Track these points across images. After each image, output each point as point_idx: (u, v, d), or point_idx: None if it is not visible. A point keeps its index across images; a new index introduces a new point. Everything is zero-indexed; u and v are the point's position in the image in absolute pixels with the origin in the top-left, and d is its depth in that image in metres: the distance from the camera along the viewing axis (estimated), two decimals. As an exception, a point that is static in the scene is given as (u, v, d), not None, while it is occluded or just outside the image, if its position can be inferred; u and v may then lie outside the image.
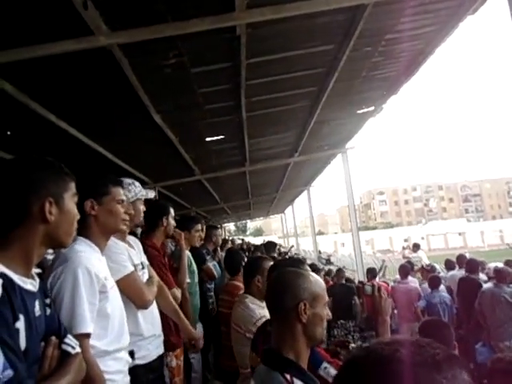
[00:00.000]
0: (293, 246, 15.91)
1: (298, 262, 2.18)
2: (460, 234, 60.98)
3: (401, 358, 0.54)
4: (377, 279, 7.08)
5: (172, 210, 2.82)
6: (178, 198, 10.71)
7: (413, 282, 5.35)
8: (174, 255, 3.06)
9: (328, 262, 14.81)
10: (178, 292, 2.60)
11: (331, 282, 6.44)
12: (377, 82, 6.04)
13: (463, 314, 4.65)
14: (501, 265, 5.61)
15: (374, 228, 74.14)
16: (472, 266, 4.79)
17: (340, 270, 6.78)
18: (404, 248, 11.04)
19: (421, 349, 0.56)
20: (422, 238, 55.40)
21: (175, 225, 2.90)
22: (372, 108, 7.23)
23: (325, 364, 1.60)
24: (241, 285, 2.82)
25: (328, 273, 7.19)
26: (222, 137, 6.64)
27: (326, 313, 1.34)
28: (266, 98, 5.58)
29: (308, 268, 1.97)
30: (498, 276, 4.25)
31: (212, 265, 3.95)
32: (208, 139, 6.57)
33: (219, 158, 8.14)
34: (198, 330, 3.03)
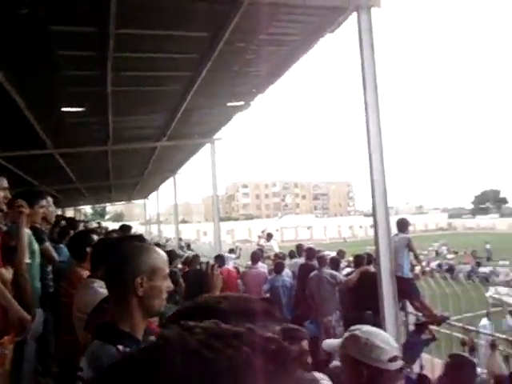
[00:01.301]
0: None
1: (138, 238, 2.16)
2: (308, 227, 68.70)
3: (223, 307, 0.62)
4: (231, 264, 7.54)
5: (4, 181, 2.45)
6: (23, 172, 9.33)
7: (262, 267, 5.88)
8: (11, 232, 2.67)
9: (188, 249, 14.98)
10: (7, 272, 2.29)
11: (187, 268, 6.56)
12: (248, 78, 6.34)
13: (301, 296, 5.33)
14: (334, 254, 6.61)
15: (237, 219, 77.77)
16: (310, 254, 5.56)
17: (196, 256, 6.99)
18: (259, 237, 11.94)
19: (241, 301, 0.65)
20: (277, 230, 60.46)
21: (7, 197, 2.53)
22: (241, 103, 7.56)
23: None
24: (85, 274, 2.59)
25: (186, 260, 7.27)
26: (82, 109, 6.05)
27: (167, 285, 1.38)
28: (135, 74, 5.31)
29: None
30: (320, 260, 5.00)
31: (51, 245, 3.54)
32: (65, 109, 5.91)
33: (78, 132, 7.40)
34: (38, 316, 2.73)
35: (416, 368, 4.09)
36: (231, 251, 10.50)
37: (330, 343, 1.61)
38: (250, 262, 6.05)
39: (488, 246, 30.79)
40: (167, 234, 26.69)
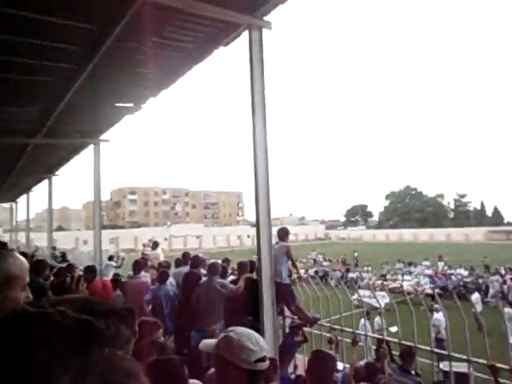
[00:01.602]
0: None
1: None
2: (197, 237, 68.42)
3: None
4: (111, 274, 7.04)
5: None
6: None
7: (145, 276, 5.62)
8: None
9: (63, 259, 13.53)
10: None
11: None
12: (139, 79, 6.10)
13: (184, 305, 5.24)
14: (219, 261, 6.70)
15: (122, 227, 73.31)
16: (195, 262, 5.53)
17: (69, 267, 6.43)
18: (144, 246, 11.45)
19: (86, 303, 0.61)
20: (165, 239, 58.88)
21: None
22: (131, 104, 7.23)
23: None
24: None
25: (58, 271, 6.53)
26: None
27: (25, 295, 1.24)
28: (7, 59, 4.68)
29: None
30: (211, 269, 5.03)
31: None
32: None
33: None
34: None
35: (290, 368, 4.36)
36: (110, 258, 9.81)
37: (207, 343, 1.62)
38: (131, 272, 5.74)
39: (356, 254, 34.82)
40: (39, 242, 23.80)
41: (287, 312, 5.10)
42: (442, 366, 5.36)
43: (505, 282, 18.04)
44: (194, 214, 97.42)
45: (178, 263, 6.49)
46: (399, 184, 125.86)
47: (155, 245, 9.61)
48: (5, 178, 12.87)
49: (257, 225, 4.19)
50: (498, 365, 3.35)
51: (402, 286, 15.89)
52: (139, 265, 5.62)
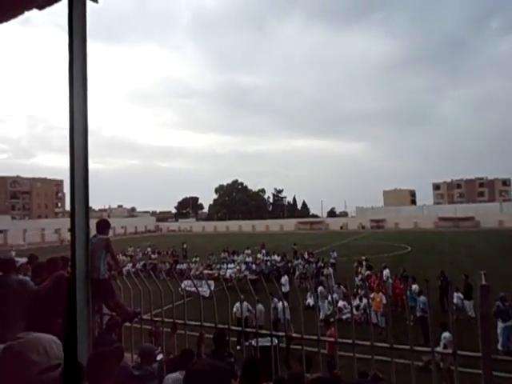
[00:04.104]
0: None
1: None
2: (1, 231, 57.69)
3: None
4: None
5: None
6: None
7: None
8: None
9: None
10: None
11: None
12: None
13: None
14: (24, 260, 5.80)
15: None
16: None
17: None
18: None
19: None
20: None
21: None
22: None
23: None
24: None
25: None
26: None
27: None
28: None
29: None
30: (6, 266, 4.30)
31: None
32: None
33: None
34: None
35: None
36: None
37: None
38: None
39: (185, 246, 35.60)
40: None
41: (105, 309, 4.79)
42: (253, 342, 5.97)
43: (308, 263, 21.54)
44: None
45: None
46: (227, 179, 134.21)
47: None
48: None
49: (71, 216, 3.77)
50: (294, 335, 3.95)
51: (219, 275, 17.27)
52: None
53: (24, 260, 6.27)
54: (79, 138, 3.89)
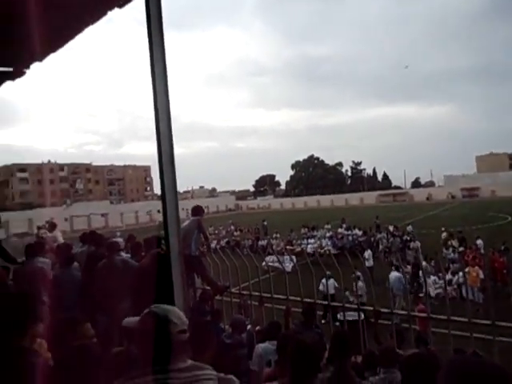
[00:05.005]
0: None
1: None
2: (103, 215, 64.48)
3: None
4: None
5: None
6: None
7: (40, 262, 5.03)
8: None
9: None
10: None
11: None
12: (16, 41, 5.32)
13: (88, 288, 4.90)
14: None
15: (12, 209, 65.50)
16: (96, 241, 5.20)
17: None
18: (39, 228, 10.40)
19: None
20: (66, 220, 54.43)
21: None
22: (10, 69, 6.31)
23: None
24: None
25: None
26: None
27: None
28: None
29: None
30: (110, 247, 4.81)
31: None
32: None
33: None
34: None
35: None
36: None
37: (130, 321, 1.75)
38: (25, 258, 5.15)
39: (265, 223, 36.37)
40: None
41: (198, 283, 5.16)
42: (339, 316, 6.00)
43: (393, 236, 20.70)
44: (98, 190, 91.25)
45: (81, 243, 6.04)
46: (304, 154, 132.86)
47: (52, 226, 8.79)
48: None
49: (162, 198, 4.08)
50: (382, 310, 3.87)
51: (302, 250, 17.10)
52: (33, 249, 5.07)
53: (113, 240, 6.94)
54: (164, 126, 4.14)
